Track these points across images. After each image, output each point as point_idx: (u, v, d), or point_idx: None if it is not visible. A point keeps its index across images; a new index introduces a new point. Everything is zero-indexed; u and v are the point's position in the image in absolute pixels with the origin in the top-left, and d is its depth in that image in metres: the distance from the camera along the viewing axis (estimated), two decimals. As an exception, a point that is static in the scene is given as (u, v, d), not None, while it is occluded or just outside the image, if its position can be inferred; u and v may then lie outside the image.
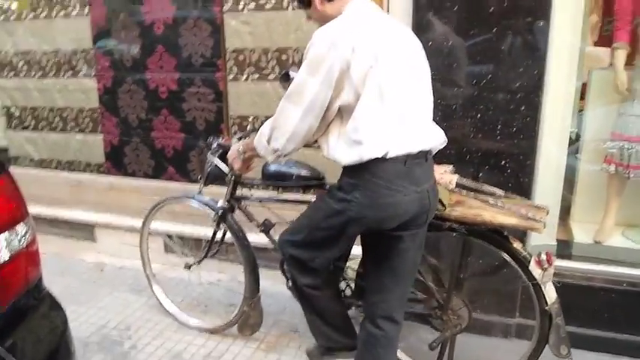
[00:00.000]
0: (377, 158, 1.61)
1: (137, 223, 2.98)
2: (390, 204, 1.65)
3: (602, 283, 2.49)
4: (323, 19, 1.72)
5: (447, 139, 1.83)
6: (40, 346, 1.51)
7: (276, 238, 2.30)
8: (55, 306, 1.64)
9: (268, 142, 1.77)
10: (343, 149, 1.66)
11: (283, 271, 2.34)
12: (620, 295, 2.45)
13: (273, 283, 2.75)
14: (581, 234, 2.85)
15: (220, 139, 2.47)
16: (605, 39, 2.95)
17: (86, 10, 3.49)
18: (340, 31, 1.61)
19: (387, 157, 1.61)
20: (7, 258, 1.39)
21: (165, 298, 2.96)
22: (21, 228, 1.45)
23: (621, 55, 2.62)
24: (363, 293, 2.01)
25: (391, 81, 1.62)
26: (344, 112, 1.65)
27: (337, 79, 1.58)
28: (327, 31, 1.62)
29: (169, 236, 3.05)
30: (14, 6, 3.72)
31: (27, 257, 1.49)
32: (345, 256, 2.26)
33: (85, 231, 3.80)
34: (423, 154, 1.72)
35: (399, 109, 1.65)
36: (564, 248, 2.73)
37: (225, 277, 3.02)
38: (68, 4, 3.52)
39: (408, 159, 1.65)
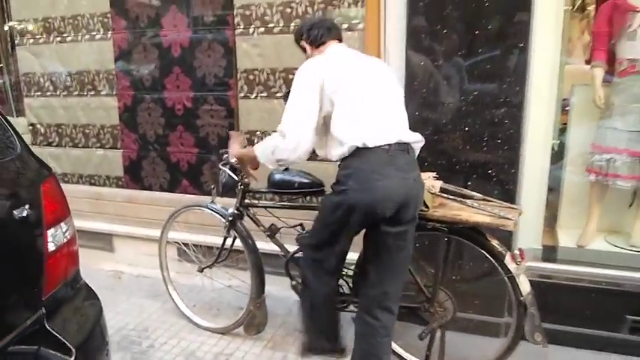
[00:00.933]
0: (360, 149, 1.93)
1: (153, 233, 3.19)
2: (380, 187, 1.91)
3: (583, 283, 2.67)
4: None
5: (424, 139, 2.12)
6: (75, 332, 1.70)
7: (282, 241, 2.56)
8: (91, 296, 1.87)
9: (273, 153, 2.08)
10: (332, 148, 2.03)
11: (287, 271, 2.55)
12: (600, 294, 2.62)
13: (281, 289, 2.96)
14: (566, 239, 3.04)
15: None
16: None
17: (109, 34, 3.74)
18: (316, 62, 2.08)
19: (369, 145, 1.93)
20: (53, 249, 1.63)
21: (180, 301, 3.17)
22: (64, 225, 1.69)
23: (599, 73, 2.85)
24: (360, 289, 2.24)
25: (360, 90, 2.02)
26: (328, 121, 2.01)
27: (319, 94, 1.97)
28: (309, 62, 2.09)
29: (185, 244, 3.26)
30: (30, 27, 4.00)
31: (68, 250, 1.73)
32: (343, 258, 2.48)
33: (104, 241, 4.00)
34: (404, 146, 2.01)
35: (371, 110, 2.01)
36: (550, 252, 2.92)
37: (236, 282, 3.19)
38: (93, 28, 3.78)
39: (390, 148, 1.95)
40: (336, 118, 1.98)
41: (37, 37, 3.99)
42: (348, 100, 1.98)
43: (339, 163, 2.05)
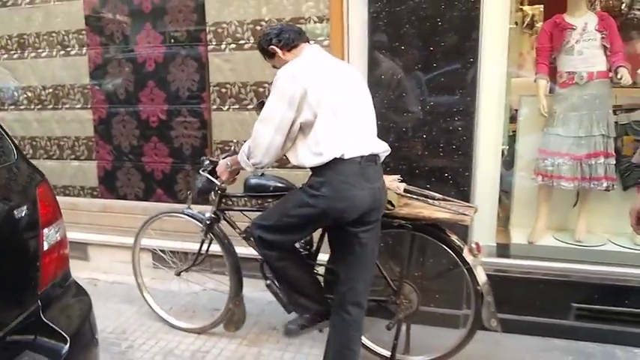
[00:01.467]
0: (337, 159, 2.04)
1: (128, 241, 3.27)
2: (350, 197, 2.07)
3: (534, 276, 2.91)
4: (285, 64, 2.19)
5: (390, 149, 2.27)
6: (68, 324, 1.81)
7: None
8: (80, 292, 2.00)
9: (248, 157, 2.21)
10: (308, 157, 2.10)
11: (263, 272, 2.66)
12: (548, 285, 2.86)
13: (253, 290, 3.12)
14: (518, 236, 3.30)
15: (211, 157, 2.86)
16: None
17: (84, 49, 3.85)
18: (299, 67, 2.10)
19: (345, 157, 2.05)
20: (46, 248, 1.76)
21: (155, 305, 3.27)
22: (56, 226, 1.83)
23: (542, 85, 3.14)
24: (333, 286, 2.36)
25: (340, 102, 2.09)
26: (305, 128, 2.08)
27: (298, 103, 2.02)
28: (289, 67, 2.11)
29: (162, 251, 3.37)
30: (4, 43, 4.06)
31: (59, 250, 1.86)
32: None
33: (79, 250, 4.04)
34: (373, 158, 2.16)
35: (349, 122, 2.11)
36: (503, 249, 3.17)
37: (210, 286, 3.31)
38: (68, 44, 3.89)
39: (362, 160, 2.09)
40: (317, 129, 2.04)
41: (12, 52, 4.07)
42: (331, 112, 2.04)
43: (311, 167, 2.15)
